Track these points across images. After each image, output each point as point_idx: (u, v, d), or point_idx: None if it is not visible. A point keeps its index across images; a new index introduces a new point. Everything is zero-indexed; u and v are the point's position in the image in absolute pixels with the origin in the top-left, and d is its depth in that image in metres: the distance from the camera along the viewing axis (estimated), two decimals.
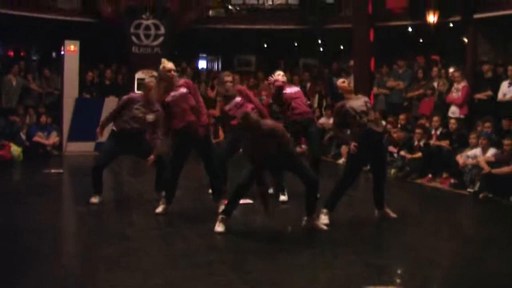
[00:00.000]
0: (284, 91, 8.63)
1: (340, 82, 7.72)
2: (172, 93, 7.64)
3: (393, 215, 7.73)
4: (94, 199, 8.32)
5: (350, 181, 7.60)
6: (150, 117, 8.27)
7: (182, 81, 7.90)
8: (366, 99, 7.76)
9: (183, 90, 7.69)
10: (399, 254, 6.40)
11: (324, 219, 7.31)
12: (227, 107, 8.42)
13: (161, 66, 7.77)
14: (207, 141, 7.92)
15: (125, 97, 8.63)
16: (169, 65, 7.76)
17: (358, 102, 7.49)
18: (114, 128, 8.38)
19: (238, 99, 8.37)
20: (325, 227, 7.08)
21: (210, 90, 16.01)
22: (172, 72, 7.75)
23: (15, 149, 12.78)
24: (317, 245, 6.65)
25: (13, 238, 6.64)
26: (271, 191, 8.84)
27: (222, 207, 7.34)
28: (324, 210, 7.39)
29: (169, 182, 7.87)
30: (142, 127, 8.34)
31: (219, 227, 6.83)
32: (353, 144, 7.38)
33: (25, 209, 8.11)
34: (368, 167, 10.62)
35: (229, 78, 8.73)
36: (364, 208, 8.19)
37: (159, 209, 7.73)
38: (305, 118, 8.72)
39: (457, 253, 6.69)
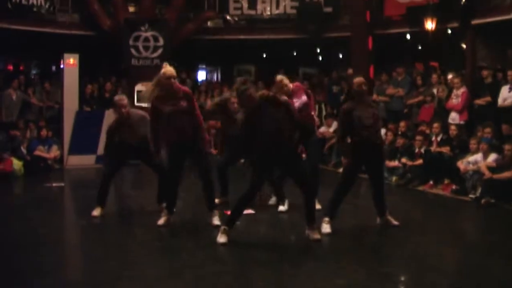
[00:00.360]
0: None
1: (357, 84, 7.43)
2: (172, 106, 7.38)
3: (395, 222, 7.72)
4: (96, 212, 8.24)
5: (347, 187, 7.56)
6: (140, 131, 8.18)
7: (181, 91, 7.55)
8: (375, 110, 7.58)
9: (184, 104, 7.42)
10: (403, 262, 6.40)
11: (326, 228, 7.30)
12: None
13: (161, 71, 7.39)
14: (202, 151, 7.68)
15: (107, 129, 8.61)
16: (170, 71, 7.37)
17: (366, 113, 7.35)
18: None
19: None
20: (319, 237, 6.96)
21: (210, 101, 15.99)
22: (172, 80, 7.38)
23: (16, 163, 12.75)
24: (321, 254, 6.65)
25: (15, 252, 6.63)
26: (273, 201, 8.85)
27: (215, 218, 7.45)
28: (326, 219, 7.37)
29: (168, 193, 7.83)
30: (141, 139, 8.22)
31: (221, 238, 6.79)
32: (347, 160, 7.43)
33: (27, 223, 8.09)
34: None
35: (235, 100, 8.30)
36: (366, 217, 8.18)
37: (161, 221, 7.67)
38: None
39: (461, 260, 6.69)
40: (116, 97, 8.50)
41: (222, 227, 6.89)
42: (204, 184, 7.68)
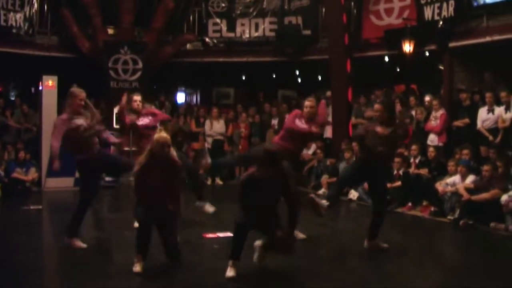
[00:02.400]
0: None
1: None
2: (156, 178, 6.68)
3: (384, 245, 7.71)
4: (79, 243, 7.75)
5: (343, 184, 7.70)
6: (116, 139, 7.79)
7: (174, 164, 6.82)
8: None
9: (169, 179, 6.76)
10: (383, 285, 6.40)
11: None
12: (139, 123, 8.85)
13: (154, 137, 6.74)
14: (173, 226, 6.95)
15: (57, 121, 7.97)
16: (163, 138, 6.67)
17: (376, 139, 7.54)
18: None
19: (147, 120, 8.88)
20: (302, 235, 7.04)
21: (194, 124, 15.92)
22: (166, 149, 6.67)
23: None
24: (300, 279, 6.61)
25: None
26: None
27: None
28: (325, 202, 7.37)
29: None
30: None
31: (230, 272, 6.39)
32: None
33: (4, 247, 7.99)
34: (349, 198, 10.74)
35: (138, 98, 9.06)
36: (346, 240, 8.19)
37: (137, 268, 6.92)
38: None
39: (440, 282, 6.71)
40: (73, 88, 7.85)
41: (230, 261, 6.46)
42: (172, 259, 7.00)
